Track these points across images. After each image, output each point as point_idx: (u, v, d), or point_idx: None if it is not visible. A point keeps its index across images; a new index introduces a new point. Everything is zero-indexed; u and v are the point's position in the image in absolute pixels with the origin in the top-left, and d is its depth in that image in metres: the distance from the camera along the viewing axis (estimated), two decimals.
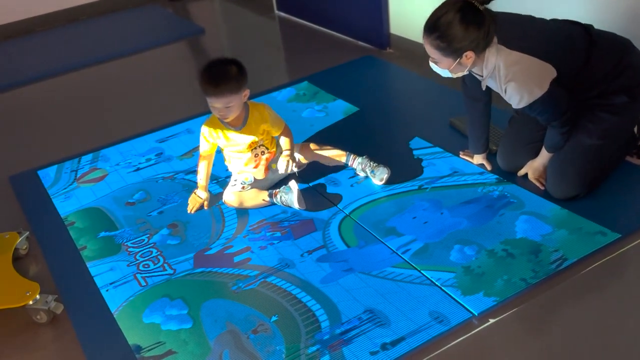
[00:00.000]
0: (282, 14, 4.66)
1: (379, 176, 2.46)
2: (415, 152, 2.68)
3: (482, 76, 2.17)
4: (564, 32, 2.14)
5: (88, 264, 2.28)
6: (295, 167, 2.46)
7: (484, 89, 2.26)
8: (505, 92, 2.09)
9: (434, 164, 2.58)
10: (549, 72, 2.04)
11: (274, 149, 2.49)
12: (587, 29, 2.16)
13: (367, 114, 3.07)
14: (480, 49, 2.02)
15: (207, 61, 2.27)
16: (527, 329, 1.82)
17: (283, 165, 2.40)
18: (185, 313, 2.00)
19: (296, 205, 2.36)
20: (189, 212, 2.47)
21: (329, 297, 1.98)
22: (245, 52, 4.17)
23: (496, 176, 2.45)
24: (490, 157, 2.52)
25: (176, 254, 2.27)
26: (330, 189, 2.52)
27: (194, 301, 2.04)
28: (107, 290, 2.14)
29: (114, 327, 1.99)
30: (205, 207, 2.49)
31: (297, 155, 2.52)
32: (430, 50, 2.06)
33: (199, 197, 2.49)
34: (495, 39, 2.04)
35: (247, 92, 2.29)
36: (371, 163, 2.49)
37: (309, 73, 3.57)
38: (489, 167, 2.49)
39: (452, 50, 2.00)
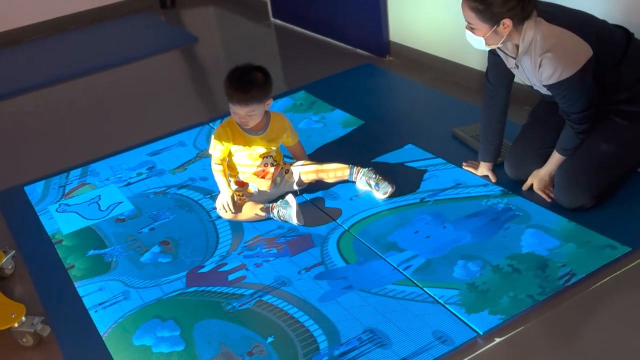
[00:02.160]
0: (278, 21, 4.60)
1: (383, 190, 2.39)
2: (414, 164, 2.60)
3: (514, 57, 2.12)
4: (603, 24, 2.12)
5: (76, 284, 2.20)
6: (296, 184, 2.44)
7: (515, 67, 2.17)
8: (540, 65, 2.04)
9: (436, 176, 2.51)
10: (587, 51, 2.00)
11: (281, 163, 2.45)
12: (627, 31, 2.15)
13: (367, 124, 3.00)
14: (518, 18, 1.99)
15: (234, 66, 2.29)
16: (535, 348, 1.76)
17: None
18: (177, 334, 1.93)
19: (294, 221, 2.29)
20: (224, 214, 2.35)
21: (327, 316, 1.91)
22: (240, 61, 4.06)
23: (501, 188, 2.37)
24: (495, 168, 2.45)
25: (168, 273, 2.19)
26: (328, 203, 2.44)
27: (187, 322, 1.97)
28: (95, 311, 2.07)
29: (103, 350, 1.91)
30: (238, 201, 2.36)
31: (297, 172, 2.45)
32: (467, 14, 2.03)
33: (224, 197, 2.35)
34: (535, 13, 2.02)
35: (270, 101, 2.29)
36: (376, 176, 2.41)
37: (306, 82, 3.50)
38: (493, 179, 2.42)
39: (490, 15, 1.98)
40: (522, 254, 2.04)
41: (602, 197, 2.19)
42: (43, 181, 2.87)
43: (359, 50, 3.86)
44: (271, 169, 2.40)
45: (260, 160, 2.38)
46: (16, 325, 1.97)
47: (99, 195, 2.71)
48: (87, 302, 2.11)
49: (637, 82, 2.13)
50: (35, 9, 4.93)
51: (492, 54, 2.26)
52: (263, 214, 2.35)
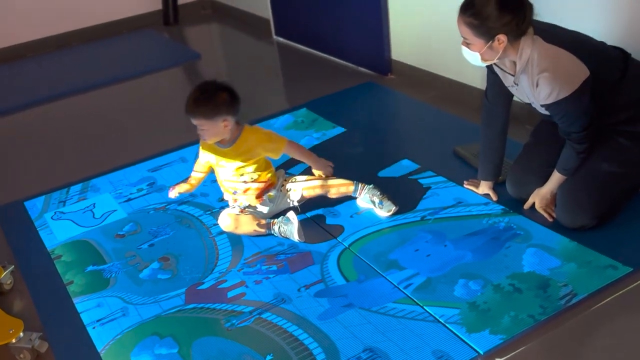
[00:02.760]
0: (281, 39, 4.62)
1: (387, 208, 2.38)
2: (415, 178, 2.60)
3: (513, 75, 2.13)
4: (600, 45, 2.13)
5: (75, 300, 2.19)
6: (297, 201, 2.44)
7: (514, 85, 2.17)
8: (537, 84, 2.04)
9: (437, 194, 2.50)
10: (584, 72, 2.00)
11: (271, 179, 2.42)
12: (624, 52, 2.15)
13: (368, 141, 3.00)
14: (513, 34, 1.99)
15: (205, 80, 2.29)
16: None
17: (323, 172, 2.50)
18: (175, 352, 1.91)
19: (296, 237, 2.28)
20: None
21: (327, 334, 1.90)
22: (242, 78, 4.12)
23: (502, 207, 2.36)
24: (496, 187, 2.44)
25: (167, 289, 2.18)
26: (329, 220, 2.43)
27: (185, 339, 1.95)
28: (94, 328, 2.05)
29: None
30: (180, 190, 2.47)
31: (300, 188, 2.45)
32: (462, 29, 2.03)
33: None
34: (531, 30, 2.02)
35: (226, 123, 2.24)
36: (381, 193, 2.41)
37: (308, 99, 3.51)
38: (494, 198, 2.41)
39: (485, 30, 1.97)
40: (523, 273, 2.03)
41: (604, 217, 2.18)
42: (43, 196, 2.86)
43: (360, 69, 3.88)
44: (253, 185, 2.39)
45: (238, 176, 2.36)
46: (14, 341, 1.95)
47: (94, 204, 2.72)
48: (86, 318, 2.09)
49: (637, 103, 2.13)
50: (39, 25, 4.96)
51: (491, 72, 2.26)
52: (262, 229, 2.34)
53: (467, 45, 2.06)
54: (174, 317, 2.05)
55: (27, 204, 2.82)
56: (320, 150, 2.94)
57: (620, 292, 1.92)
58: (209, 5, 5.56)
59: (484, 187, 2.43)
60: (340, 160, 2.74)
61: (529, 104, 2.23)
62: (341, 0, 3.84)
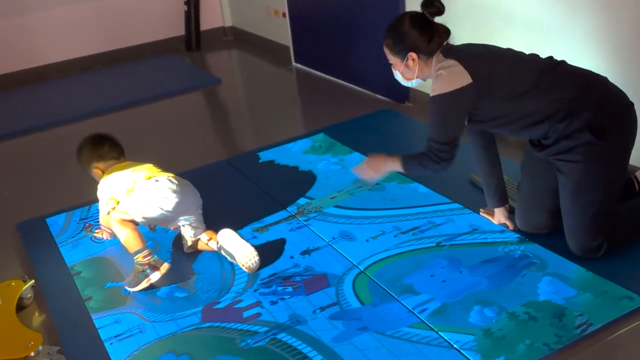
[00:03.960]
0: (300, 65, 4.69)
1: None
2: (432, 207, 2.62)
3: None
4: (517, 53, 2.19)
5: (93, 316, 2.21)
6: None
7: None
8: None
9: (453, 221, 2.51)
10: (464, 79, 2.08)
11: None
12: (553, 59, 2.18)
13: None
14: (422, 52, 2.16)
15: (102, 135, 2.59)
16: None
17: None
18: None
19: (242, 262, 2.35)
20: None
21: (341, 357, 1.90)
22: (261, 103, 4.18)
23: (518, 235, 2.37)
24: (512, 215, 2.44)
25: (184, 307, 2.20)
26: (345, 244, 2.45)
27: (201, 357, 1.97)
28: (111, 343, 2.07)
29: None
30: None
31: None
32: (385, 50, 2.24)
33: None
34: (439, 51, 2.16)
35: (96, 171, 2.54)
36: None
37: (326, 125, 3.55)
38: (511, 226, 2.41)
39: (398, 49, 2.19)
40: (538, 301, 2.03)
41: (609, 234, 2.16)
42: (65, 213, 2.91)
43: (378, 96, 3.92)
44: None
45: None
46: (32, 354, 1.98)
47: None
48: (103, 334, 2.12)
49: (569, 125, 2.06)
50: (63, 48, 5.08)
51: None
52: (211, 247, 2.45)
53: (392, 66, 2.27)
54: (190, 335, 2.07)
55: (49, 220, 2.87)
56: (337, 174, 2.98)
57: (636, 323, 1.91)
58: (231, 32, 5.66)
59: (500, 216, 2.44)
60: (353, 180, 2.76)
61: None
62: (360, 28, 3.90)
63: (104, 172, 2.51)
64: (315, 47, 4.44)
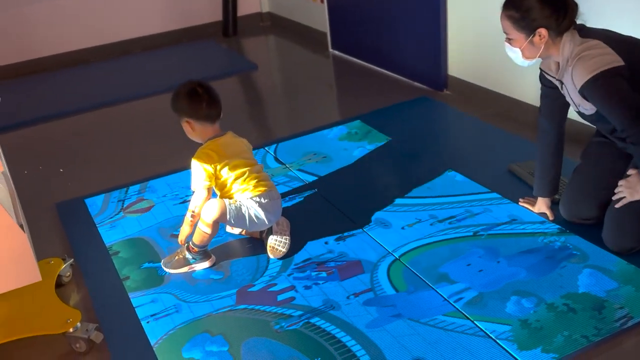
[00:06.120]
0: (337, 52, 4.67)
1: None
2: (469, 197, 2.58)
3: (556, 78, 2.10)
4: None
5: (130, 295, 2.25)
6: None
7: (562, 88, 2.14)
8: (572, 74, 2.01)
9: (491, 210, 2.48)
10: (618, 60, 1.94)
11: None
12: None
13: (421, 155, 3.00)
14: (554, 29, 1.99)
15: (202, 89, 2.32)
16: None
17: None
18: (225, 350, 1.94)
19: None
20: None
21: (375, 342, 1.90)
22: (297, 89, 4.17)
23: (558, 226, 2.32)
24: (553, 206, 2.40)
25: (219, 289, 2.22)
26: (380, 231, 2.43)
27: (235, 338, 1.98)
28: (147, 322, 2.10)
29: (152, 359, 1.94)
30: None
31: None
32: (504, 24, 2.05)
33: None
34: (572, 28, 2.01)
35: (186, 124, 2.34)
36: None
37: (362, 112, 3.53)
38: (551, 217, 2.36)
39: (526, 23, 1.99)
40: (578, 293, 1.99)
41: None
42: (103, 194, 2.95)
43: (415, 83, 3.88)
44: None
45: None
46: (71, 330, 2.01)
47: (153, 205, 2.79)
48: (140, 313, 2.15)
49: None
50: (101, 32, 5.14)
51: (544, 85, 2.25)
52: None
53: (509, 41, 2.06)
54: (225, 316, 2.08)
55: (88, 201, 2.91)
56: (367, 160, 2.96)
57: None
58: (268, 17, 5.66)
59: (541, 205, 2.39)
60: (388, 168, 2.74)
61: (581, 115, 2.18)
62: (399, 14, 3.86)
63: (193, 131, 2.35)
64: (353, 34, 4.41)
